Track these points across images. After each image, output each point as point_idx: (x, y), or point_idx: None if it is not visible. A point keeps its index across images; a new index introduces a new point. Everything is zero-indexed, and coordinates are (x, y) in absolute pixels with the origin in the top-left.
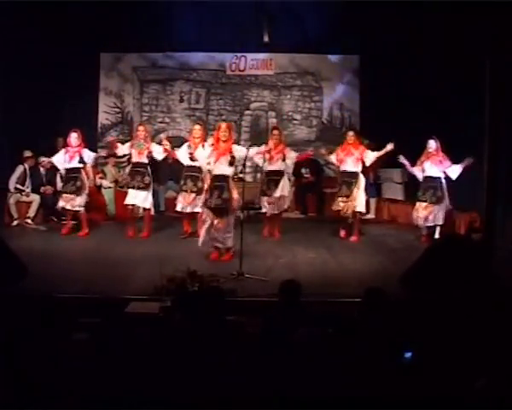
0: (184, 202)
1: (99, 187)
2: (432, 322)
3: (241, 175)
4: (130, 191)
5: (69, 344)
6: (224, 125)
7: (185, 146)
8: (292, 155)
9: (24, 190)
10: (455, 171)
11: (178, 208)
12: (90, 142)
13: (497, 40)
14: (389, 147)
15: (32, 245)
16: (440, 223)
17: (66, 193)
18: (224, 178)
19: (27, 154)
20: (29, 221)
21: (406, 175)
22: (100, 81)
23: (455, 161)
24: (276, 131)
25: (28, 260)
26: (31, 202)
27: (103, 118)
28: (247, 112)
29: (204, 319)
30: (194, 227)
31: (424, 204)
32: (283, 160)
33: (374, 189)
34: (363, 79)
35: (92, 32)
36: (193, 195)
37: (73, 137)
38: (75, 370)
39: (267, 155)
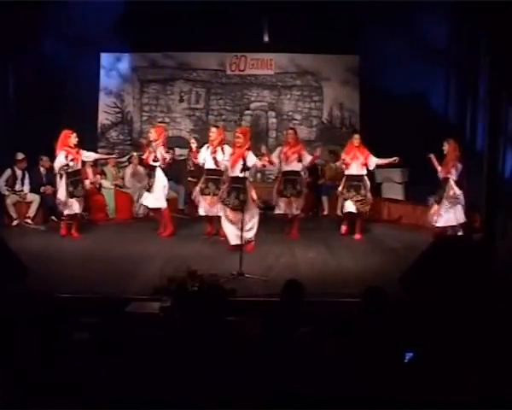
0: (207, 206)
1: (99, 187)
2: (432, 322)
3: (241, 175)
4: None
5: (69, 344)
6: (238, 130)
7: (205, 148)
8: (308, 159)
9: (19, 192)
10: None
11: (201, 213)
12: (91, 142)
13: (497, 40)
14: (395, 160)
15: (32, 245)
16: (463, 221)
17: (78, 197)
18: (240, 180)
19: (19, 157)
20: (29, 221)
21: (406, 175)
22: (100, 81)
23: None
24: (290, 131)
25: (28, 260)
26: (30, 202)
27: (103, 118)
28: (247, 112)
29: (204, 319)
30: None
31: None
32: (299, 160)
33: (326, 188)
34: (363, 79)
35: (92, 32)
36: (216, 198)
37: (73, 138)
38: (75, 370)
39: (283, 156)
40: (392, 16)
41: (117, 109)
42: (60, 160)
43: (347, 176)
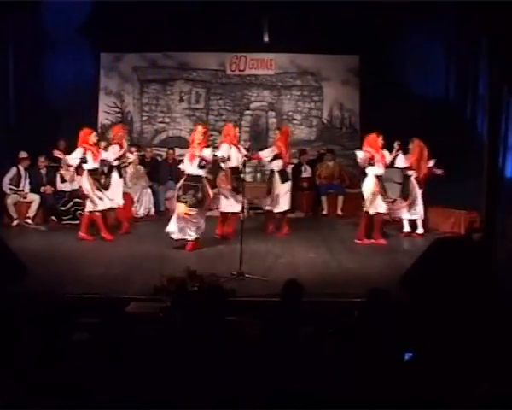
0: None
1: None
2: (432, 323)
3: (241, 175)
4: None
5: (69, 344)
6: (200, 127)
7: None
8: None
9: (21, 191)
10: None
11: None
12: None
13: (497, 40)
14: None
15: (32, 245)
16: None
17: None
18: (198, 178)
19: (23, 155)
20: (29, 221)
21: None
22: (100, 81)
23: (455, 160)
24: (276, 131)
25: (28, 260)
26: (30, 202)
27: (103, 118)
28: (247, 112)
29: (204, 319)
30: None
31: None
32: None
33: (325, 188)
34: (363, 79)
35: (92, 32)
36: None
37: (93, 136)
38: (75, 370)
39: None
40: (393, 16)
41: (117, 109)
42: (75, 155)
43: (380, 176)
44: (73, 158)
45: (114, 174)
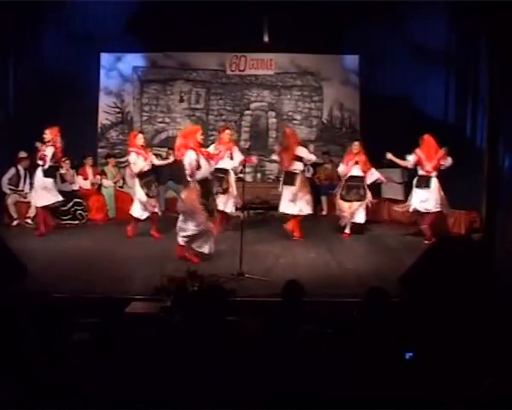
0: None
1: (99, 187)
2: (432, 322)
3: (241, 175)
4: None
5: (69, 344)
6: (200, 130)
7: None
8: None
9: (20, 191)
10: (373, 175)
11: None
12: (91, 142)
13: (497, 40)
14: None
15: (32, 245)
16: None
17: (153, 197)
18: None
19: (22, 155)
20: (29, 221)
21: (406, 175)
22: (100, 81)
23: (455, 160)
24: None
25: (28, 260)
26: (30, 202)
27: (103, 118)
28: (247, 112)
29: (204, 319)
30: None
31: (348, 203)
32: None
33: (325, 188)
34: (363, 79)
35: (92, 32)
36: (221, 196)
37: (139, 138)
38: (75, 370)
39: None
40: (393, 16)
41: (117, 109)
42: (135, 162)
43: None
44: (137, 165)
45: (38, 174)
